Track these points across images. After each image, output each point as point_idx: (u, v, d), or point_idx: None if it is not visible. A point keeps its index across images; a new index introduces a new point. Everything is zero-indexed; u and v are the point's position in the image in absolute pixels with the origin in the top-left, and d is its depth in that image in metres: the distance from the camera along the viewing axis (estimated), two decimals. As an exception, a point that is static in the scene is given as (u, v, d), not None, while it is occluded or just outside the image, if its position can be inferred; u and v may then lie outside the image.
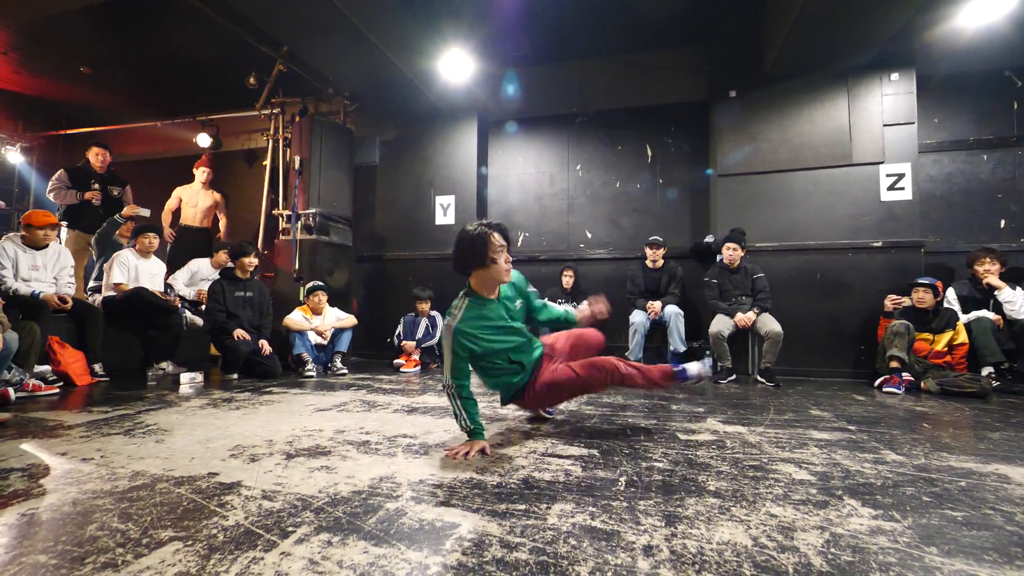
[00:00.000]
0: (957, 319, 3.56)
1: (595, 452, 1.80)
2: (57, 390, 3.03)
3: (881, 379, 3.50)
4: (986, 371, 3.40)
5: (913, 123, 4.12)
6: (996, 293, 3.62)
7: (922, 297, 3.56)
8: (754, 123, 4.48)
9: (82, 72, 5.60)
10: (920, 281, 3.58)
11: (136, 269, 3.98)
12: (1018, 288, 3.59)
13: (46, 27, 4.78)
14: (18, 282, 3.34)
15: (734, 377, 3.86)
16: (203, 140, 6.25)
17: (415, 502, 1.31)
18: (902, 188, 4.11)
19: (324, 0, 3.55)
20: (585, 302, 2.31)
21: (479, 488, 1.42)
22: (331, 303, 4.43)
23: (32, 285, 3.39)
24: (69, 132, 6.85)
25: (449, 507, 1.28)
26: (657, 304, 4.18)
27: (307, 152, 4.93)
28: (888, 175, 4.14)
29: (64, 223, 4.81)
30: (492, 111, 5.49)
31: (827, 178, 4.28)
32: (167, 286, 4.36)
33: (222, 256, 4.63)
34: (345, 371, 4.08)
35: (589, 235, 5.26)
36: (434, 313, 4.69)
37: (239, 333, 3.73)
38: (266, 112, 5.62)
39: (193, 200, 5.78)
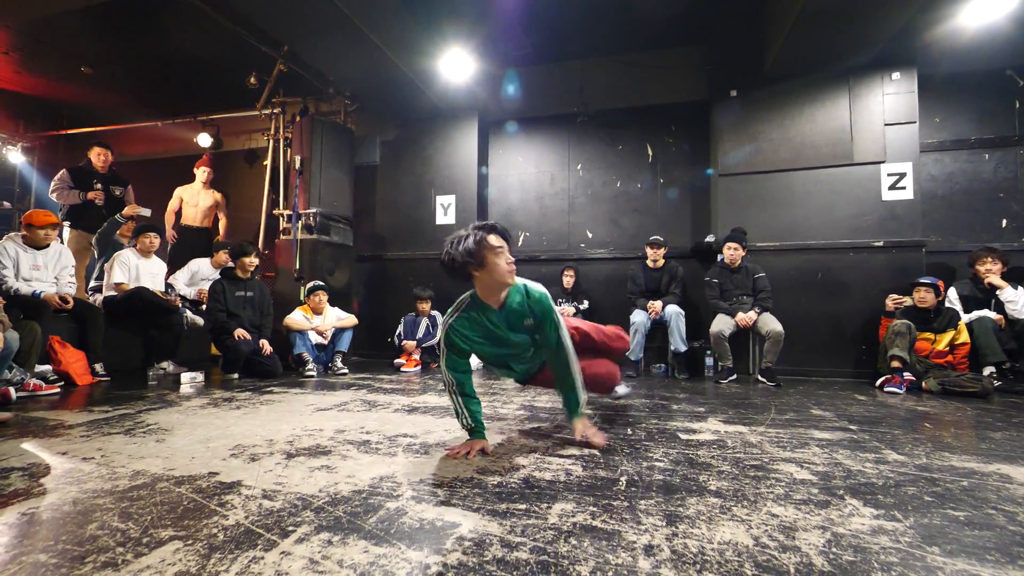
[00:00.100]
0: (959, 319, 3.55)
1: (595, 452, 1.80)
2: (58, 390, 3.03)
3: (882, 379, 3.49)
4: (988, 371, 3.40)
5: (914, 122, 4.11)
6: (998, 293, 3.62)
7: (923, 297, 3.55)
8: (755, 123, 4.47)
9: (83, 72, 5.61)
10: (921, 281, 3.57)
11: (137, 269, 3.98)
12: (1020, 288, 3.58)
13: (47, 27, 4.79)
14: (19, 282, 3.35)
15: (735, 377, 3.86)
16: (204, 140, 6.25)
17: (415, 501, 1.31)
18: (903, 188, 4.10)
19: (325, 0, 3.55)
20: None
21: (480, 488, 1.42)
22: (332, 303, 4.43)
23: (33, 285, 3.39)
24: (70, 132, 6.86)
25: (449, 506, 1.28)
26: (658, 304, 4.17)
27: (308, 152, 4.94)
28: (889, 174, 4.13)
29: (67, 223, 4.84)
30: (493, 111, 5.49)
31: (828, 178, 4.28)
32: (168, 286, 4.36)
33: (222, 256, 4.63)
34: (346, 371, 4.08)
35: (590, 235, 5.26)
36: (434, 313, 4.69)
37: (240, 333, 3.74)
38: (267, 112, 5.63)
39: (194, 200, 5.79)
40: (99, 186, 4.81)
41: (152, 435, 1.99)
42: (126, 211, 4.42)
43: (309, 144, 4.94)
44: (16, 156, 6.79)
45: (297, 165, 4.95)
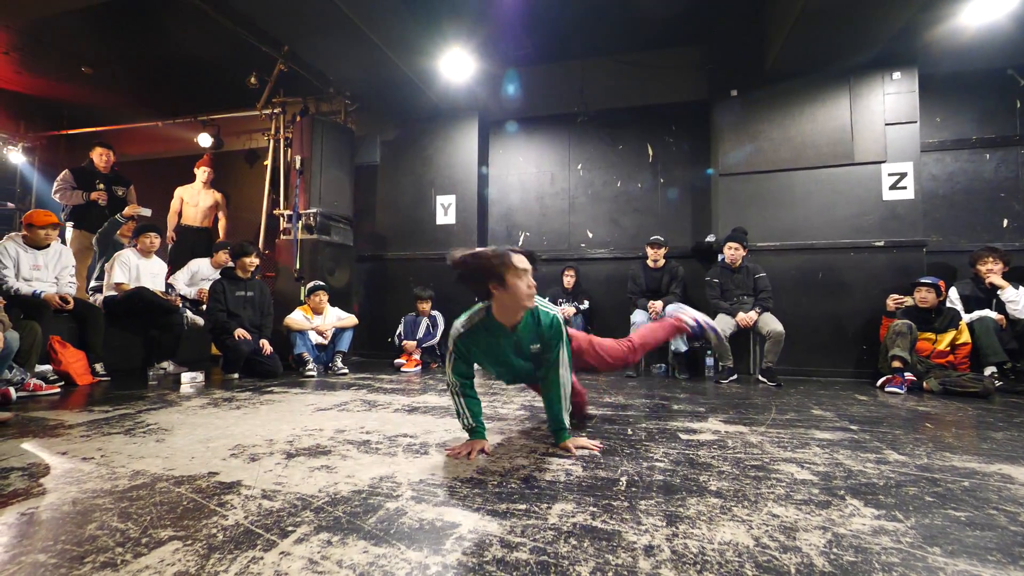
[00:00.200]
0: (960, 319, 3.55)
1: (595, 452, 1.79)
2: (58, 389, 3.03)
3: (883, 379, 3.48)
4: (989, 371, 3.39)
5: (915, 122, 4.11)
6: (999, 292, 3.61)
7: (924, 297, 3.55)
8: (755, 122, 4.47)
9: (83, 72, 5.61)
10: (922, 280, 3.57)
11: (137, 269, 3.98)
12: (1021, 288, 3.58)
13: (47, 27, 4.79)
14: (19, 282, 3.35)
15: (736, 377, 3.85)
16: (204, 140, 6.25)
17: (415, 502, 1.31)
18: (904, 187, 4.09)
19: (325, 0, 3.55)
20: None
21: (479, 488, 1.41)
22: (332, 303, 4.43)
23: (33, 285, 3.40)
24: (71, 132, 6.86)
25: (449, 507, 1.27)
26: (658, 304, 4.17)
27: (308, 152, 4.94)
28: (890, 174, 4.12)
29: (70, 223, 4.86)
30: (493, 110, 5.48)
31: (829, 177, 4.27)
32: (168, 286, 4.36)
33: (222, 256, 4.63)
34: (346, 371, 4.08)
35: (590, 235, 5.25)
36: (435, 313, 4.69)
37: (240, 333, 3.74)
38: (267, 112, 5.63)
39: (194, 200, 5.79)
40: (102, 186, 4.83)
41: (152, 435, 1.99)
42: (126, 211, 4.43)
43: (309, 144, 4.94)
44: (17, 156, 6.80)
45: (297, 165, 4.95)
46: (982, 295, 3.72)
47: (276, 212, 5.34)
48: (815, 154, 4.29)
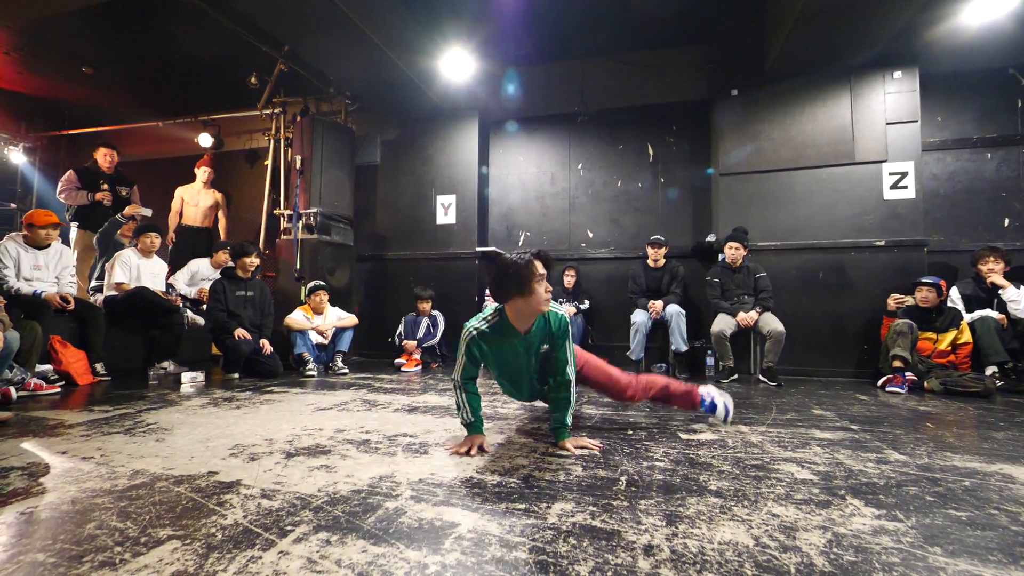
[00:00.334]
0: (961, 318, 3.54)
1: (595, 452, 1.79)
2: (58, 389, 3.04)
3: (884, 378, 3.48)
4: (990, 371, 3.38)
5: (916, 121, 4.10)
6: (1000, 292, 3.60)
7: (925, 296, 3.54)
8: (756, 122, 4.46)
9: (84, 72, 5.61)
10: (923, 280, 3.56)
11: (138, 268, 3.99)
12: (1022, 287, 3.57)
13: (47, 27, 4.79)
14: (20, 281, 3.35)
15: (736, 376, 3.85)
16: (205, 140, 6.25)
17: (414, 501, 1.30)
18: (905, 187, 4.08)
19: (325, 0, 3.56)
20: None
21: (479, 487, 1.41)
22: (332, 303, 4.43)
23: (34, 284, 3.40)
24: (71, 132, 6.87)
25: (449, 506, 1.27)
26: (659, 303, 4.16)
27: (308, 152, 4.94)
28: (891, 174, 4.12)
29: (75, 223, 4.88)
30: (493, 110, 5.48)
31: (829, 177, 4.27)
32: (168, 286, 4.36)
33: (222, 256, 4.63)
34: (346, 370, 4.08)
35: (590, 234, 5.25)
36: (435, 313, 4.68)
37: (240, 332, 3.74)
38: (267, 112, 5.63)
39: (194, 200, 5.80)
40: (106, 186, 4.85)
41: (152, 435, 1.99)
42: (127, 211, 4.43)
43: (310, 144, 4.94)
44: (18, 156, 6.80)
45: (298, 165, 4.95)
46: (983, 295, 3.71)
47: (276, 212, 5.34)
48: (816, 154, 4.29)
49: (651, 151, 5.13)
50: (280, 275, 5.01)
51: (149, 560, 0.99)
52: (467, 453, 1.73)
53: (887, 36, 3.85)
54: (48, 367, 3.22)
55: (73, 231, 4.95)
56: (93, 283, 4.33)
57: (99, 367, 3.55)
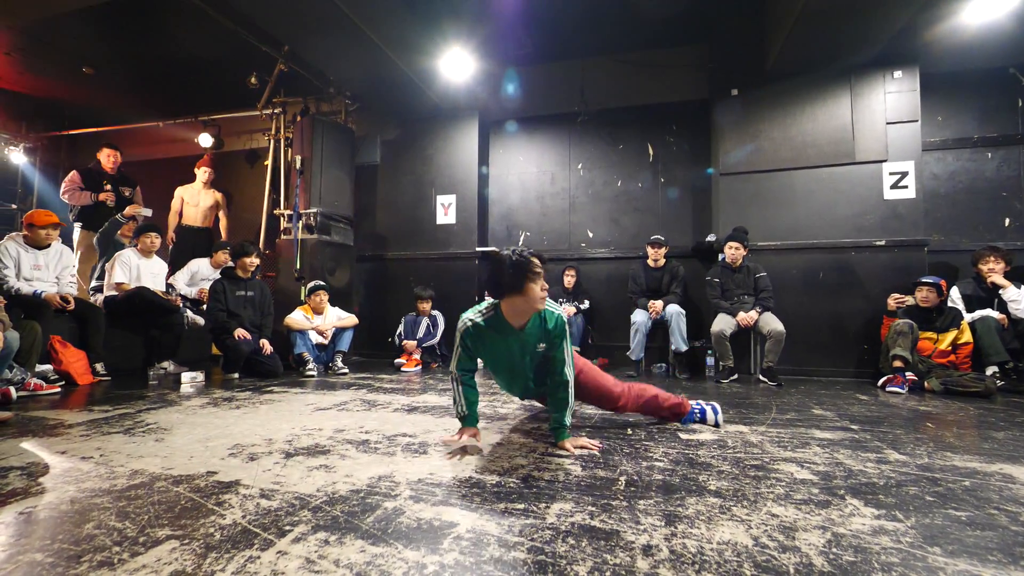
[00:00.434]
0: (961, 318, 3.53)
1: (595, 452, 1.79)
2: (58, 389, 3.04)
3: (884, 378, 3.47)
4: (990, 370, 3.38)
5: (916, 121, 4.09)
6: (1001, 292, 3.60)
7: (926, 296, 3.53)
8: (756, 121, 4.46)
9: (84, 73, 5.62)
10: (924, 280, 3.56)
11: (138, 268, 3.99)
12: (1023, 287, 3.56)
13: (48, 28, 4.80)
14: (20, 281, 3.35)
15: (736, 376, 3.84)
16: (205, 140, 6.26)
17: (413, 501, 1.30)
18: (905, 186, 4.08)
19: (325, -1, 3.55)
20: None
21: (478, 487, 1.41)
22: (332, 303, 4.43)
23: (34, 284, 3.40)
24: (72, 133, 6.88)
25: (447, 506, 1.27)
26: (659, 303, 4.16)
27: (308, 152, 4.94)
28: (891, 173, 4.11)
29: (78, 224, 4.90)
30: (493, 110, 5.48)
31: (830, 177, 4.26)
32: (168, 286, 4.36)
33: (221, 256, 4.64)
34: (346, 370, 4.08)
35: (591, 234, 5.25)
36: (435, 313, 4.68)
37: (240, 332, 3.74)
38: (267, 112, 5.63)
39: (194, 200, 5.80)
40: (109, 187, 4.86)
41: (151, 434, 1.99)
42: (127, 211, 4.44)
43: (310, 144, 4.94)
44: (18, 157, 6.81)
45: (298, 165, 4.95)
46: (984, 294, 3.70)
47: (276, 212, 5.34)
48: (816, 153, 4.28)
49: (651, 151, 5.12)
50: (280, 275, 5.01)
51: (147, 560, 0.99)
52: (460, 449, 1.75)
53: (887, 36, 3.84)
54: (48, 367, 3.23)
55: (76, 231, 4.97)
56: (93, 283, 4.33)
57: (99, 367, 3.55)
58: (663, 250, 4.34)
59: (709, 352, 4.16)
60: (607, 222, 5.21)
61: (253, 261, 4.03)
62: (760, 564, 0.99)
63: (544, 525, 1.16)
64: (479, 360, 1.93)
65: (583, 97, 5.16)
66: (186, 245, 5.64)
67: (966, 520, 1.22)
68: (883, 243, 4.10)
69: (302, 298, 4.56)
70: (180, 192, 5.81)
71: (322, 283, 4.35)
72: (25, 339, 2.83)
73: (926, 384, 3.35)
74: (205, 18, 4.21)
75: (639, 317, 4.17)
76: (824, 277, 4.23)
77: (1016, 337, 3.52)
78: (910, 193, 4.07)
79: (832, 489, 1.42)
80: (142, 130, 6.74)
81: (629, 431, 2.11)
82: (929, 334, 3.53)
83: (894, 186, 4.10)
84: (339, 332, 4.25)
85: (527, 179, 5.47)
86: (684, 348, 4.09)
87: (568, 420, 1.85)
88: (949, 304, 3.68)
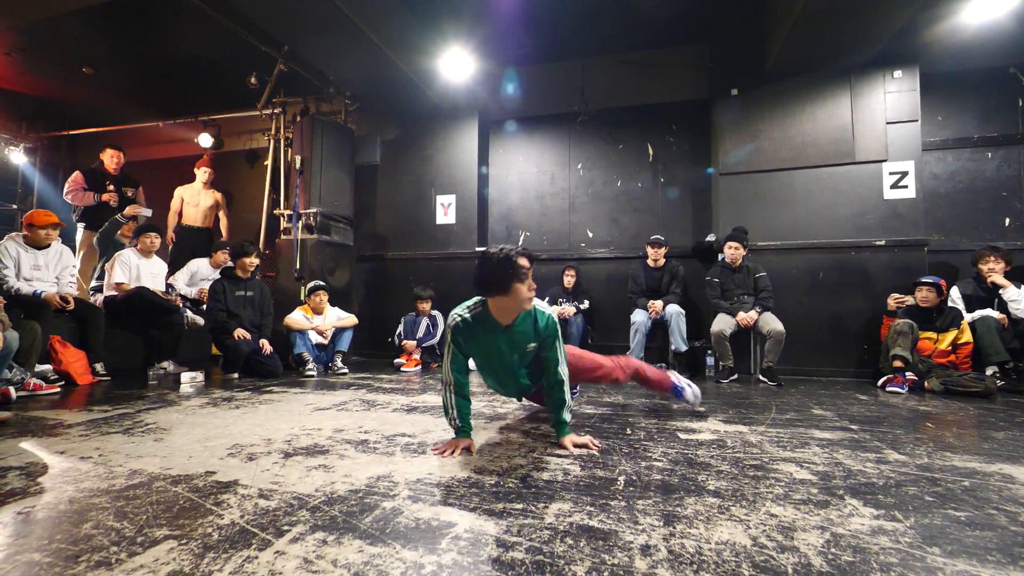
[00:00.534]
0: (961, 318, 3.53)
1: (594, 452, 1.79)
2: (58, 389, 3.04)
3: (884, 378, 3.47)
4: (990, 370, 3.37)
5: (916, 120, 4.09)
6: (1001, 292, 3.59)
7: (926, 296, 3.53)
8: (756, 121, 4.45)
9: (84, 72, 5.62)
10: (924, 280, 3.55)
11: (137, 269, 3.99)
12: (1023, 287, 3.56)
13: (48, 27, 4.80)
14: (20, 281, 3.35)
15: (736, 376, 3.84)
16: (205, 140, 6.26)
17: (412, 501, 1.30)
18: (905, 186, 4.08)
19: (324, -1, 3.55)
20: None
21: (476, 487, 1.41)
22: (332, 303, 4.43)
23: (34, 284, 3.40)
24: (72, 133, 6.88)
25: (446, 506, 1.27)
26: (658, 303, 4.16)
27: (308, 152, 4.94)
28: (891, 173, 4.11)
29: (81, 224, 4.91)
30: (493, 110, 5.48)
31: (830, 176, 4.26)
32: (168, 286, 4.37)
33: (220, 256, 4.64)
34: (346, 370, 4.07)
35: (590, 234, 5.25)
36: (435, 312, 4.68)
37: (240, 332, 3.74)
38: (267, 112, 5.63)
39: (194, 200, 5.81)
40: (112, 187, 4.88)
41: (150, 434, 1.99)
42: (127, 211, 4.44)
43: (310, 144, 4.94)
44: (19, 157, 6.81)
45: (298, 165, 4.95)
46: (984, 294, 3.70)
47: (276, 212, 5.34)
48: (816, 153, 4.28)
49: (651, 151, 5.12)
50: (280, 275, 5.01)
51: (145, 560, 0.99)
52: (452, 455, 1.72)
53: (887, 35, 3.84)
54: (48, 367, 3.23)
55: (80, 232, 4.98)
56: (93, 283, 4.33)
57: (99, 367, 3.55)
58: (663, 250, 4.34)
59: (709, 352, 4.15)
60: (607, 222, 5.21)
61: (253, 261, 4.03)
62: (758, 564, 0.99)
63: (542, 525, 1.16)
64: (470, 360, 1.93)
65: (583, 97, 5.16)
66: (186, 245, 5.64)
67: (965, 520, 1.21)
68: (883, 243, 4.09)
69: (302, 298, 4.56)
70: (180, 192, 5.81)
71: (322, 283, 4.35)
72: (25, 339, 2.83)
73: (926, 384, 3.35)
74: (205, 18, 4.21)
75: (639, 317, 4.17)
76: (824, 277, 4.23)
77: (1016, 337, 3.52)
78: (910, 193, 4.07)
79: (831, 489, 1.42)
80: (142, 130, 6.74)
81: (628, 431, 2.11)
82: (929, 334, 3.53)
83: (894, 186, 4.10)
84: (339, 332, 4.25)
85: (527, 179, 5.47)
86: (684, 348, 4.09)
87: (567, 417, 1.86)
88: (949, 304, 3.67)
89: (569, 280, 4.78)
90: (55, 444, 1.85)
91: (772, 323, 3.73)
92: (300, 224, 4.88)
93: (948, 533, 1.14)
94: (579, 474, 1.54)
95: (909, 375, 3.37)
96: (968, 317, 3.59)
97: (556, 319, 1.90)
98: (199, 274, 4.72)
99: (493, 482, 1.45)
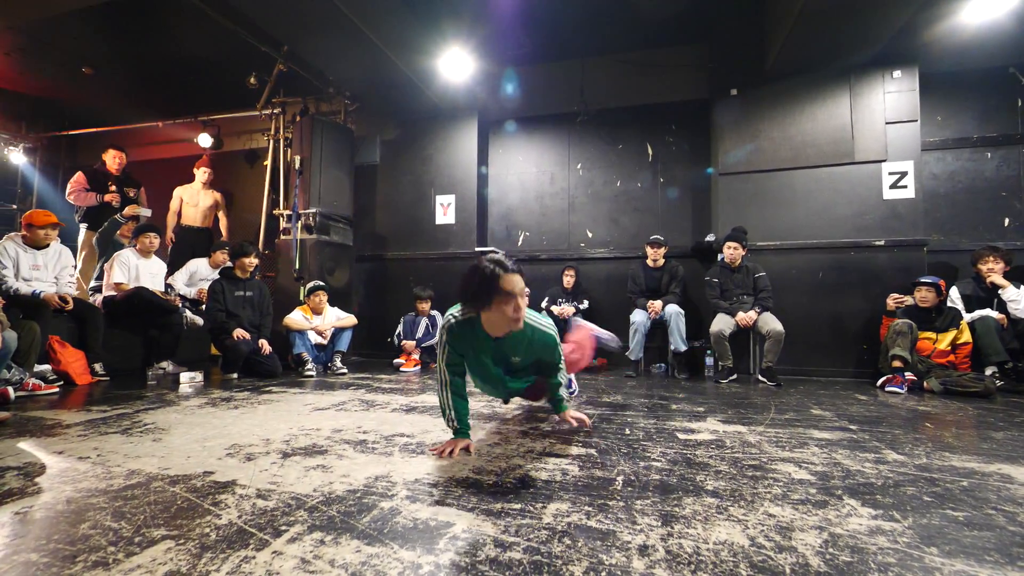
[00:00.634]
0: (960, 318, 3.53)
1: (593, 451, 1.79)
2: (57, 389, 3.04)
3: (884, 378, 3.47)
4: (990, 371, 3.37)
5: (916, 121, 4.09)
6: (1000, 292, 3.59)
7: (925, 296, 3.53)
8: (755, 121, 4.45)
9: (84, 72, 5.62)
10: (923, 280, 3.55)
11: (137, 269, 3.99)
12: (1022, 287, 3.56)
13: (48, 27, 4.80)
14: (19, 281, 3.35)
15: (735, 376, 3.84)
16: (204, 140, 6.26)
17: (410, 501, 1.30)
18: (905, 186, 4.08)
19: (324, -1, 3.55)
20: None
21: (475, 487, 1.41)
22: (332, 303, 4.43)
23: (33, 284, 3.40)
24: (72, 133, 6.88)
25: (444, 506, 1.27)
26: (658, 303, 4.16)
27: (308, 152, 4.94)
28: (891, 173, 4.11)
29: (84, 224, 4.91)
30: (492, 110, 5.48)
31: (829, 176, 4.26)
32: (167, 286, 4.37)
33: (220, 256, 4.64)
34: (345, 371, 4.07)
35: (590, 234, 5.25)
36: (434, 312, 4.68)
37: (239, 333, 3.74)
38: (267, 112, 5.63)
39: (194, 200, 5.80)
40: (114, 188, 4.88)
41: (149, 434, 1.99)
42: (126, 211, 4.44)
43: (309, 144, 4.94)
44: (18, 157, 6.81)
45: (297, 165, 4.95)
46: (983, 294, 3.70)
47: (276, 212, 5.34)
48: (815, 153, 4.28)
49: (651, 151, 5.12)
50: (279, 275, 5.01)
51: (142, 560, 0.99)
52: (450, 455, 1.71)
53: (887, 36, 3.84)
54: (47, 367, 3.22)
55: (82, 232, 4.99)
56: (92, 283, 4.33)
57: (98, 367, 3.55)
58: (662, 250, 4.34)
59: (708, 352, 4.16)
60: (606, 222, 5.21)
61: (252, 261, 4.03)
62: (756, 564, 0.99)
63: (540, 525, 1.16)
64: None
65: (583, 97, 5.16)
66: (185, 245, 5.64)
67: (963, 520, 1.21)
68: (882, 243, 4.09)
69: (301, 298, 4.56)
70: (179, 192, 5.81)
71: (321, 283, 4.35)
72: (23, 339, 2.83)
73: (925, 384, 3.35)
74: (205, 18, 4.21)
75: (638, 317, 4.17)
76: (823, 277, 4.23)
77: (1015, 337, 3.52)
78: (909, 193, 4.07)
79: (830, 489, 1.42)
80: (141, 130, 6.74)
81: (627, 431, 2.11)
82: (928, 334, 3.53)
83: (893, 186, 4.10)
84: (338, 332, 4.25)
85: (526, 179, 5.47)
86: (683, 348, 4.09)
87: (564, 394, 2.08)
88: (948, 304, 3.67)
89: (568, 280, 4.78)
90: (53, 444, 1.85)
91: (771, 323, 3.73)
92: (299, 224, 4.88)
93: (946, 533, 1.14)
94: (577, 474, 1.53)
95: (908, 375, 3.37)
96: (967, 317, 3.59)
97: (555, 334, 1.95)
98: (198, 274, 4.72)
99: (491, 482, 1.45)
